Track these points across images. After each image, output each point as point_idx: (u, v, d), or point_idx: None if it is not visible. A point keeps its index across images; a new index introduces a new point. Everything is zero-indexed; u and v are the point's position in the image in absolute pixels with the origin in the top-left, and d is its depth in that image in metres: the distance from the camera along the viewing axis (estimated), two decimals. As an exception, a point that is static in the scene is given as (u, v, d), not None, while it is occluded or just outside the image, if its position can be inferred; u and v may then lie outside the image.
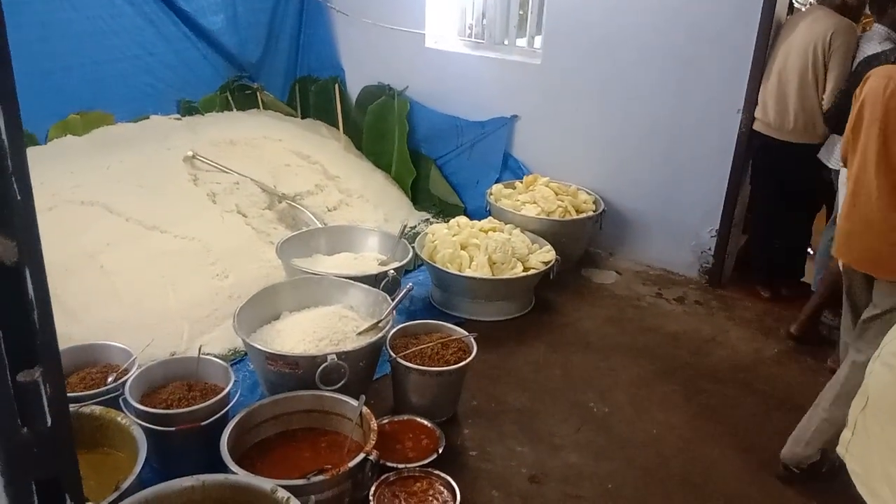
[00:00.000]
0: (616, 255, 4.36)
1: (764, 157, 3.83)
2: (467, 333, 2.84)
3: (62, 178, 3.70)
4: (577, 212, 4.08)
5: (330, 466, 2.16)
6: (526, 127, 4.55)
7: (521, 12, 4.65)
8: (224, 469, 2.17)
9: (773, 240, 3.95)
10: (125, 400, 2.35)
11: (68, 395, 2.39)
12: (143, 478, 2.36)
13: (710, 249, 4.06)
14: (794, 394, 3.14)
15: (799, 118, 3.60)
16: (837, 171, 3.54)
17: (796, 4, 3.82)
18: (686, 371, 3.26)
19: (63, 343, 2.84)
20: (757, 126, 3.77)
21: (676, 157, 4.05)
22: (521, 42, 4.72)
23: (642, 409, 2.97)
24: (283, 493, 2.01)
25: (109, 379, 2.51)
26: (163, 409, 2.39)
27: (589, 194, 4.24)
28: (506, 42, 4.72)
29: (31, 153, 4.01)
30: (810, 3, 4.11)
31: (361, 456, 2.23)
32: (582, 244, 4.18)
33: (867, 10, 3.98)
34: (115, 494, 1.99)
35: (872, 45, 3.34)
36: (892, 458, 1.44)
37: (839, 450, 1.62)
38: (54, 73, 4.14)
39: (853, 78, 3.14)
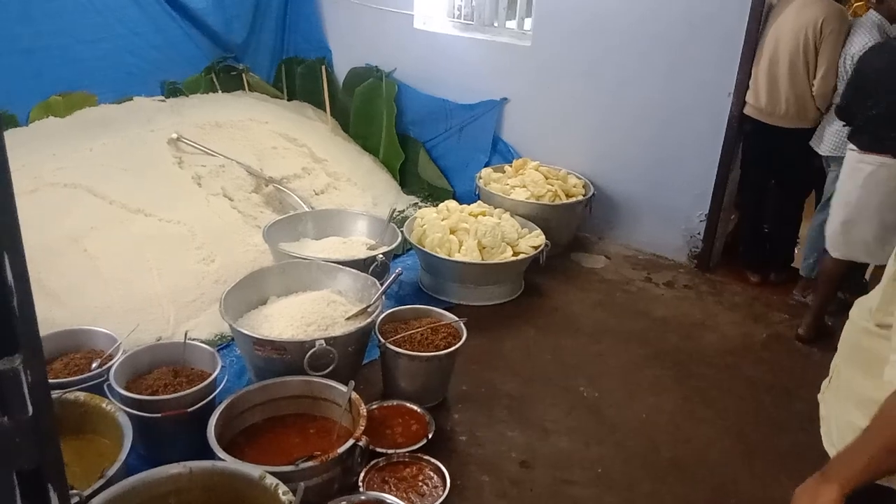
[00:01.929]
0: (605, 240, 4.35)
1: (754, 141, 3.82)
2: (457, 318, 2.82)
3: (44, 160, 3.63)
4: (567, 196, 4.05)
5: (319, 453, 2.14)
6: (515, 110, 4.51)
7: (510, -7, 4.60)
8: (212, 456, 2.14)
9: (762, 225, 3.95)
10: (110, 386, 2.30)
11: (52, 381, 2.37)
12: (130, 464, 2.33)
13: (699, 234, 4.05)
14: (783, 378, 3.15)
15: (790, 103, 3.59)
16: (828, 158, 3.55)
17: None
18: (676, 355, 3.26)
19: (46, 328, 2.80)
20: (748, 110, 3.76)
21: (666, 140, 4.03)
22: (511, 24, 4.67)
23: (632, 394, 2.97)
24: (271, 480, 1.99)
25: (94, 365, 2.47)
26: (148, 395, 2.35)
27: (578, 178, 4.22)
28: (495, 24, 4.67)
29: (12, 135, 3.95)
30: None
31: (351, 442, 2.21)
32: (571, 228, 4.16)
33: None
34: (101, 482, 1.96)
35: (863, 31, 3.32)
36: (846, 394, 1.50)
37: (818, 396, 1.68)
38: (36, 52, 4.06)
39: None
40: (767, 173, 3.85)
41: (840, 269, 3.30)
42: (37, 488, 1.11)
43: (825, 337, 3.36)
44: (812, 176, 3.77)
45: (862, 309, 1.49)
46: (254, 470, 2.02)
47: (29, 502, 1.10)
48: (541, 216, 3.84)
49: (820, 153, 3.55)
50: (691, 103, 3.90)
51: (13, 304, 1.00)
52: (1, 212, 0.96)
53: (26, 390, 1.04)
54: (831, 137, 3.47)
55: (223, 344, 3.07)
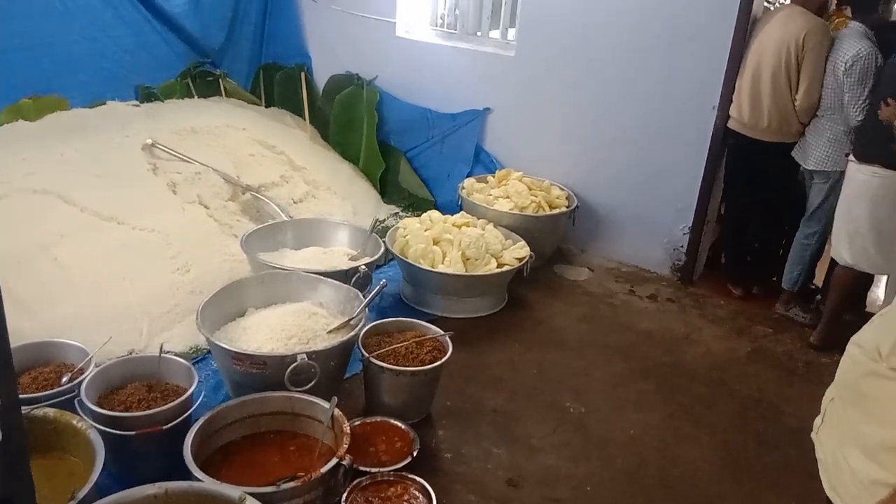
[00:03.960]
0: (588, 252, 4.32)
1: (738, 154, 3.82)
2: (443, 332, 2.75)
3: (14, 165, 3.51)
4: (551, 207, 4.02)
5: (302, 474, 2.05)
6: (499, 120, 4.48)
7: (494, 3, 4.55)
8: (188, 475, 2.04)
9: (745, 238, 3.94)
10: (80, 402, 2.20)
11: (19, 396, 2.25)
12: (101, 485, 2.22)
13: (682, 247, 4.04)
14: (769, 393, 3.13)
15: (773, 117, 3.59)
16: (812, 171, 3.56)
17: (765, 4, 3.81)
18: (661, 370, 3.22)
19: (15, 339, 2.65)
20: (731, 124, 3.76)
21: (651, 153, 4.01)
22: (495, 34, 4.63)
23: (619, 409, 2.93)
24: (252, 502, 1.91)
25: (64, 379, 2.36)
26: (121, 411, 2.25)
27: (562, 189, 4.18)
28: (479, 33, 4.63)
29: (-20, 139, 3.81)
30: (780, 2, 4.10)
31: (334, 461, 2.13)
32: (555, 240, 4.12)
33: (836, 8, 4.02)
34: (72, 504, 1.85)
35: (853, 39, 3.33)
36: (849, 439, 1.43)
37: (812, 435, 1.62)
38: (6, 53, 3.93)
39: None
40: (751, 186, 3.84)
41: (850, 277, 3.34)
42: (3, 520, 1.03)
43: (836, 346, 3.34)
44: (795, 189, 3.78)
45: (867, 349, 1.40)
46: (233, 491, 1.93)
47: (-6, 536, 1.02)
48: (524, 227, 3.80)
49: (806, 168, 3.56)
50: (676, 116, 3.89)
51: (-18, 328, 0.92)
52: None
53: (-4, 416, 0.96)
54: (817, 151, 3.49)
55: (199, 357, 2.97)
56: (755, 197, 3.84)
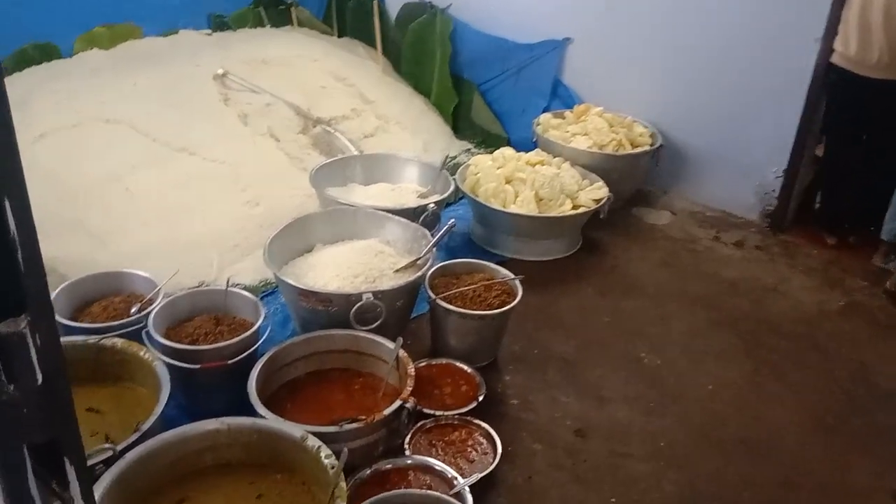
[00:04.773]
0: (671, 194, 4.07)
1: (842, 92, 3.48)
2: (514, 276, 2.64)
3: (87, 93, 3.52)
4: (632, 146, 3.78)
5: (363, 417, 2.01)
6: (578, 51, 4.21)
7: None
8: (252, 410, 2.03)
9: (845, 184, 3.63)
10: (148, 333, 2.20)
11: (90, 325, 2.27)
12: (169, 415, 2.25)
13: (773, 191, 3.76)
14: (860, 351, 2.91)
15: (884, 51, 3.24)
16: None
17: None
18: (744, 322, 3.03)
19: (87, 270, 2.72)
20: (836, 59, 3.41)
21: (743, 88, 3.70)
22: (578, -43, 4.33)
23: (697, 363, 2.77)
24: (313, 442, 1.88)
25: (133, 310, 2.36)
26: (188, 343, 2.25)
27: (645, 127, 3.93)
28: (560, -43, 4.34)
29: (56, 66, 3.84)
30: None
31: (398, 403, 2.08)
32: (636, 181, 3.90)
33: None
34: (135, 436, 1.87)
35: None
36: None
37: None
38: (80, -19, 3.91)
39: None
40: (854, 128, 3.52)
41: None
42: (52, 463, 0.98)
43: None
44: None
45: None
46: (295, 430, 1.91)
47: (43, 478, 0.99)
48: (603, 167, 3.59)
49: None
50: (773, 48, 3.56)
51: (18, 258, 0.85)
52: (1, 153, 0.81)
53: (34, 356, 0.90)
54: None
55: (267, 291, 2.95)
56: (858, 139, 3.52)
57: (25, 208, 0.83)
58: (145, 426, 1.89)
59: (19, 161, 0.82)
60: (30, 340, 0.88)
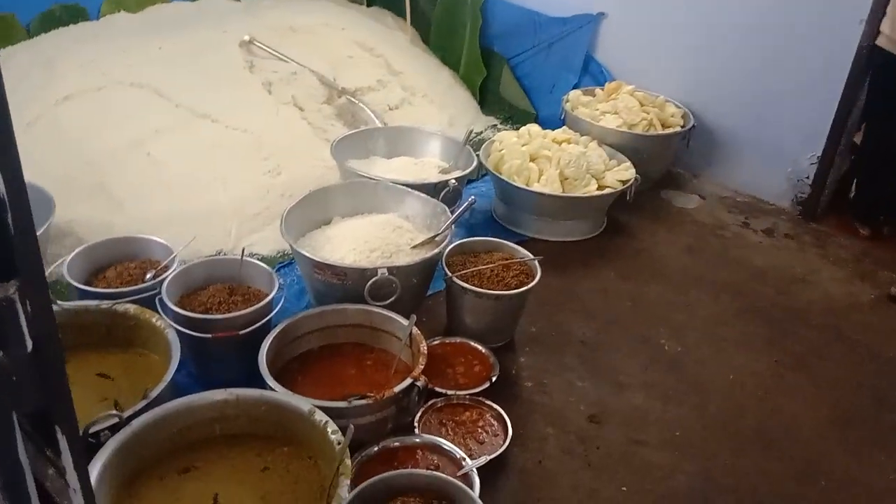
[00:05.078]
0: (700, 178, 3.97)
1: (886, 77, 3.33)
2: (532, 256, 2.58)
3: (113, 56, 3.50)
4: (664, 126, 3.68)
5: (372, 394, 1.98)
6: (613, 27, 4.09)
7: None
8: (263, 381, 2.02)
9: (884, 174, 3.50)
10: (161, 300, 2.19)
11: (103, 290, 2.27)
12: (180, 382, 2.25)
13: (807, 178, 3.64)
14: (890, 346, 2.81)
15: (934, 36, 3.10)
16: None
17: None
18: (771, 312, 2.94)
19: (105, 233, 2.72)
20: (882, 41, 3.26)
21: (780, 69, 3.57)
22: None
23: (719, 352, 2.70)
24: (321, 416, 1.86)
25: (148, 276, 2.36)
26: (201, 312, 2.23)
27: (677, 107, 3.82)
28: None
29: (82, 28, 3.83)
30: None
31: (408, 381, 2.05)
32: (665, 163, 3.80)
33: None
34: (143, 403, 1.86)
35: None
36: None
37: None
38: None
39: None
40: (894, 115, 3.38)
41: None
42: (43, 431, 0.97)
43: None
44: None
45: None
46: (303, 404, 1.89)
47: (35, 446, 0.97)
48: (632, 147, 3.50)
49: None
50: (813, 28, 3.42)
51: (7, 219, 0.83)
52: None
53: (24, 323, 0.88)
54: None
55: (285, 262, 2.93)
56: (899, 127, 3.38)
57: (15, 167, 0.80)
58: (153, 393, 1.88)
59: (8, 117, 0.78)
60: (19, 307, 0.85)
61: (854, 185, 3.71)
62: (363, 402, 1.97)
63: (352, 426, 1.76)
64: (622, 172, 3.33)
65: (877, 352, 2.78)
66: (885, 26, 3.24)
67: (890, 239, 3.55)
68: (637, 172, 3.33)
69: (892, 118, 3.40)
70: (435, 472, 1.85)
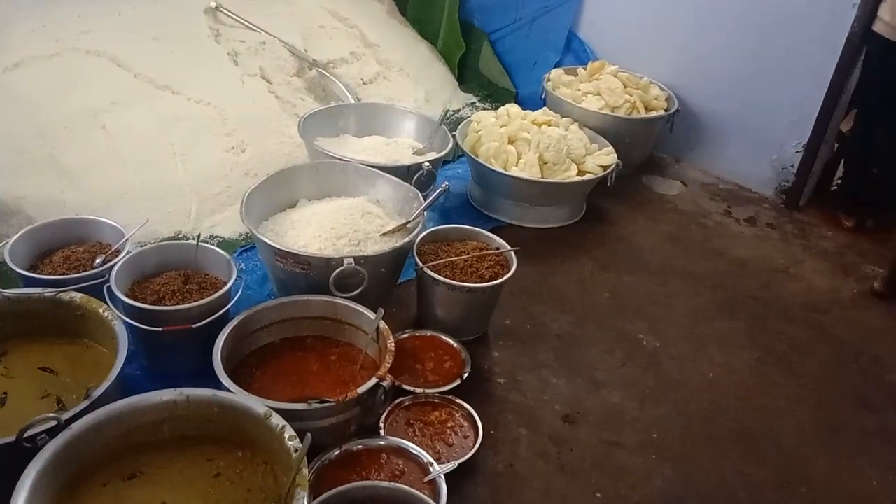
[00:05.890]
0: (683, 163, 3.86)
1: (881, 64, 3.23)
2: (509, 247, 2.46)
3: (68, 21, 3.28)
4: (647, 109, 3.55)
5: (334, 398, 1.85)
6: (597, 4, 3.95)
7: None
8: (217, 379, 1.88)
9: (870, 164, 3.41)
10: (109, 289, 2.03)
11: (48, 277, 2.10)
12: (130, 377, 2.12)
13: (792, 166, 3.55)
14: (873, 343, 2.75)
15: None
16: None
17: None
18: (752, 306, 2.86)
19: (56, 211, 2.54)
20: (879, 27, 3.15)
21: (768, 53, 3.46)
22: None
23: (699, 347, 2.61)
24: (277, 420, 1.73)
25: (97, 261, 2.20)
26: (153, 302, 2.08)
27: (662, 90, 3.69)
28: None
29: (35, -10, 3.58)
30: None
31: (373, 381, 1.92)
32: (647, 147, 3.69)
33: None
34: (86, 403, 1.72)
35: None
36: None
37: None
38: None
39: None
40: (888, 105, 3.27)
41: None
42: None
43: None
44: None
45: None
46: (258, 406, 1.76)
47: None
48: (614, 130, 3.37)
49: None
50: (803, 12, 3.31)
51: None
52: None
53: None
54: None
55: (247, 246, 2.78)
56: (891, 116, 3.28)
57: None
58: (97, 393, 1.74)
59: None
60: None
61: (840, 174, 3.63)
62: (324, 405, 1.84)
63: (309, 435, 1.63)
64: (603, 157, 3.21)
65: (859, 350, 2.71)
66: (883, 12, 3.13)
67: (874, 231, 3.48)
68: (619, 157, 3.21)
69: (885, 105, 3.30)
70: (396, 484, 1.73)
